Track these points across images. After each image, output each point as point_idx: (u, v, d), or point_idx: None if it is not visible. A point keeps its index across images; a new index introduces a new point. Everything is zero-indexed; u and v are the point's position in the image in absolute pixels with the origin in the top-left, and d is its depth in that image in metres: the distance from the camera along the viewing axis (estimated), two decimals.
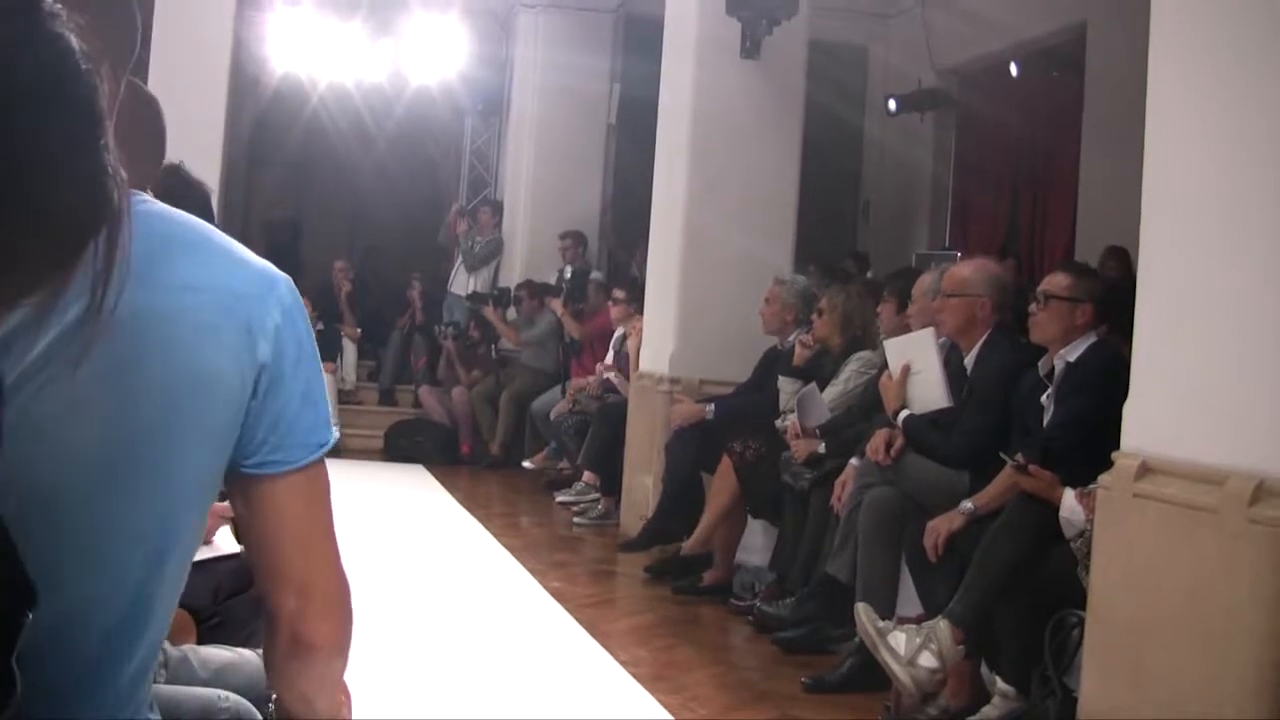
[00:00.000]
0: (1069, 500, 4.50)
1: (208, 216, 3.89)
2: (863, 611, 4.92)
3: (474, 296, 12.97)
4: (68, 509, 1.49)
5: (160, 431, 1.54)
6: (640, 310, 9.52)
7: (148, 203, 1.60)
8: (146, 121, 2.03)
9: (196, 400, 1.56)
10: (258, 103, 13.67)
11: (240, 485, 1.66)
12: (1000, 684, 4.69)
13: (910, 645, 4.70)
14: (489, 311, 12.50)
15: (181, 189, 3.65)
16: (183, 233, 1.60)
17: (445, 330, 12.69)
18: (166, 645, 2.21)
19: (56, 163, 1.09)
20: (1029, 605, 4.60)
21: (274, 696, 1.83)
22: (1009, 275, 5.92)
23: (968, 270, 5.62)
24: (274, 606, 1.70)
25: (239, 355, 1.58)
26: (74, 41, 1.10)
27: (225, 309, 1.57)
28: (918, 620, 5.01)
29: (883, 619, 5.41)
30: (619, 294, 10.44)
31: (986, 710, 4.68)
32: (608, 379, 10.30)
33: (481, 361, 12.68)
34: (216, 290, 1.58)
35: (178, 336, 1.53)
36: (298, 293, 1.68)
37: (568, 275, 12.47)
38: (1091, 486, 4.34)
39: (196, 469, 1.58)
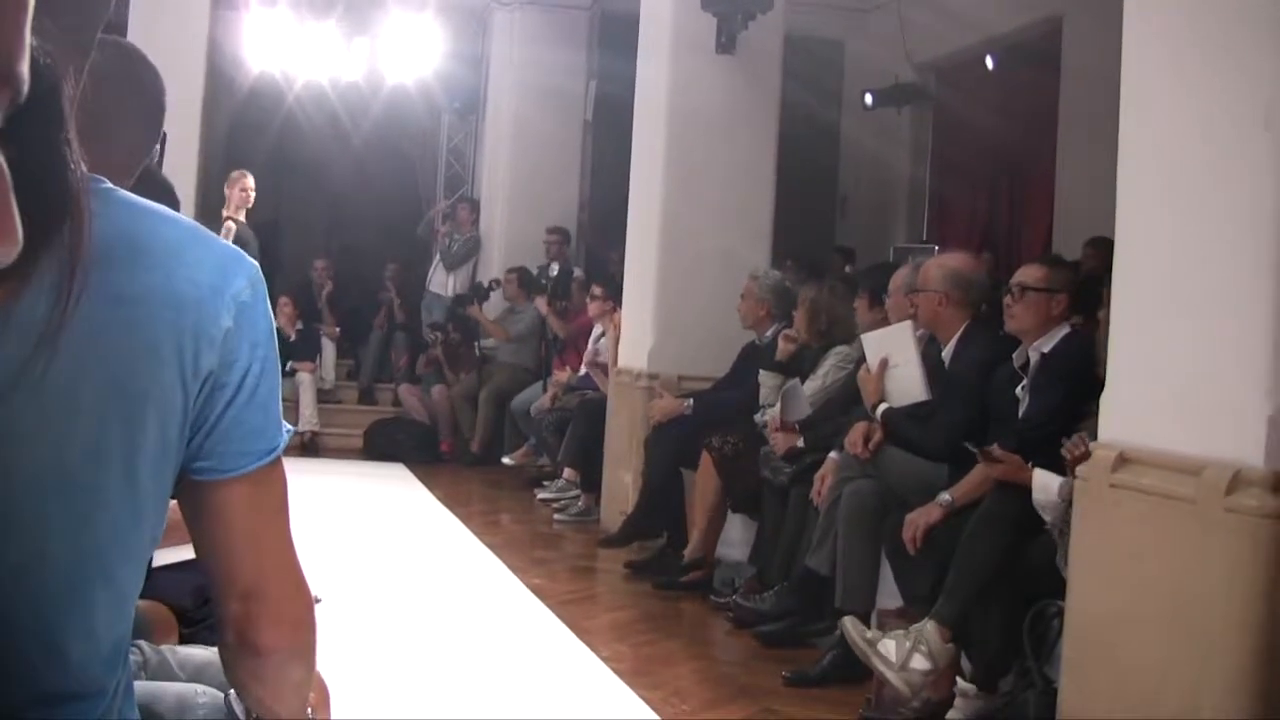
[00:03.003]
0: (1039, 479, 4.52)
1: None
2: (850, 625, 4.97)
3: (458, 299, 12.98)
4: (3, 529, 1.43)
5: (99, 451, 1.47)
6: (619, 306, 9.53)
7: (107, 191, 1.51)
8: (147, 87, 2.00)
9: (137, 419, 1.48)
10: (233, 103, 13.64)
11: (184, 490, 1.60)
12: (960, 683, 4.72)
13: (901, 650, 4.73)
14: (475, 311, 12.49)
15: (155, 193, 3.64)
16: (128, 232, 1.49)
17: (436, 337, 12.69)
18: (145, 646, 2.20)
19: (15, 158, 1.09)
20: (1008, 596, 4.62)
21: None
22: (981, 269, 5.93)
23: (930, 266, 5.67)
24: (222, 610, 1.65)
25: (181, 368, 1.49)
26: (31, 40, 1.09)
27: (166, 321, 1.48)
28: (898, 613, 5.03)
29: (863, 611, 5.45)
30: (597, 291, 10.45)
31: (961, 703, 4.70)
32: (585, 374, 10.33)
33: (464, 360, 12.67)
34: (156, 301, 1.48)
35: (113, 354, 1.45)
36: (261, 283, 1.58)
37: (553, 273, 12.47)
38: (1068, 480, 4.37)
39: (142, 486, 1.51)
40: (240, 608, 1.63)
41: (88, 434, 1.46)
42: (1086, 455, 4.22)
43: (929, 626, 4.76)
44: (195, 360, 1.51)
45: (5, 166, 0.76)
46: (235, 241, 10.11)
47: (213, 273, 1.53)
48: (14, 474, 1.44)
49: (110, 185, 1.52)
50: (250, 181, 10.99)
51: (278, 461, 1.63)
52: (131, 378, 1.47)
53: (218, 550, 1.62)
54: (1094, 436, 4.26)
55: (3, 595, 1.43)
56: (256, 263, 1.59)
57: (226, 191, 10.90)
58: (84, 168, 1.19)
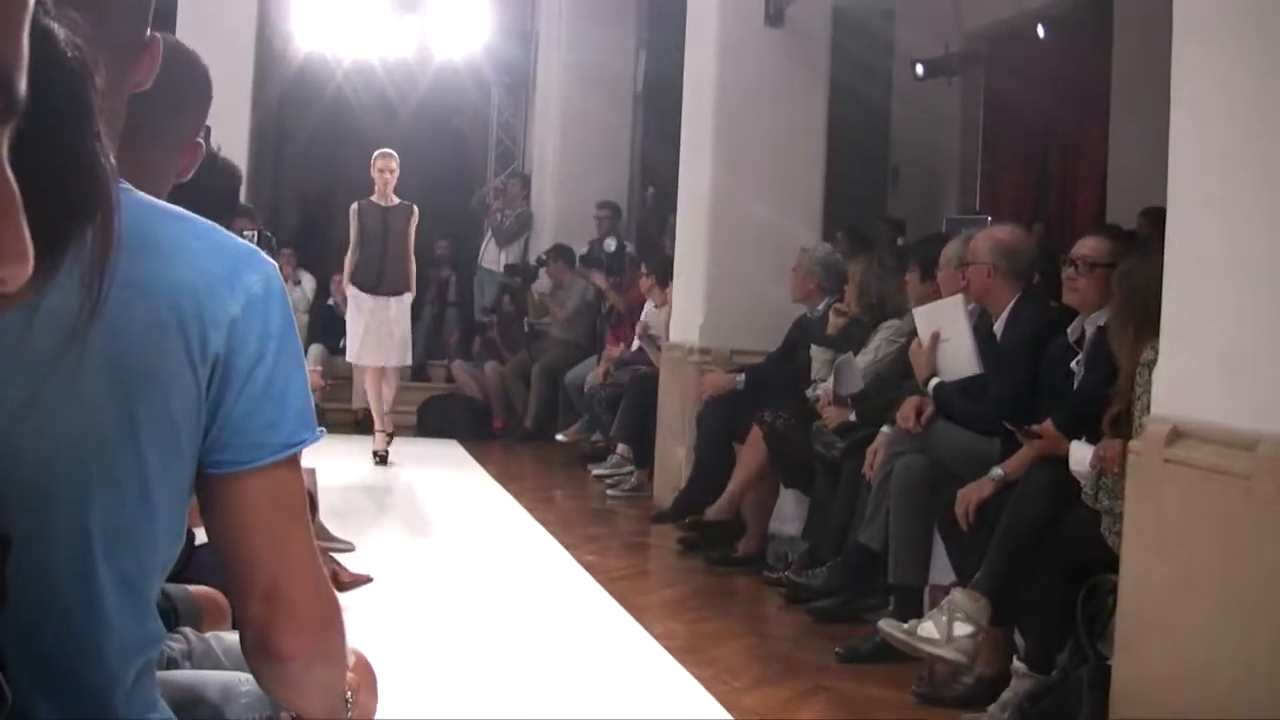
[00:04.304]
0: (1075, 451, 4.51)
1: (232, 198, 3.89)
2: (886, 626, 4.99)
3: (509, 269, 13.01)
4: (14, 515, 1.43)
5: (111, 436, 1.50)
6: (668, 282, 9.52)
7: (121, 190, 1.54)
8: (189, 84, 2.00)
9: (147, 401, 1.51)
10: (283, 81, 13.68)
11: (202, 487, 1.61)
12: (1015, 662, 4.70)
13: (940, 626, 4.72)
14: (529, 291, 12.54)
15: (218, 177, 3.65)
16: (137, 226, 1.48)
17: (492, 320, 12.71)
18: (189, 633, 2.20)
19: (46, 152, 1.08)
20: (1057, 571, 4.59)
21: None
22: (1031, 241, 5.88)
23: (979, 239, 5.63)
24: (241, 613, 1.65)
25: (189, 350, 1.52)
26: (56, 30, 1.08)
27: (171, 304, 1.51)
28: (949, 588, 5.01)
29: (916, 587, 5.43)
30: (644, 269, 10.46)
31: (1015, 682, 4.67)
32: (637, 349, 10.32)
33: (514, 337, 12.69)
34: (162, 286, 1.51)
35: (121, 336, 1.47)
36: (277, 281, 1.61)
37: (610, 248, 12.46)
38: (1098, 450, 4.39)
39: (150, 471, 1.53)
40: (259, 611, 1.62)
41: (91, 411, 1.48)
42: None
43: (957, 593, 4.78)
44: (202, 343, 1.53)
45: (15, 187, 0.75)
46: (355, 224, 9.50)
47: (219, 263, 1.56)
48: (22, 450, 1.47)
49: (125, 185, 1.53)
50: (384, 162, 10.33)
51: (295, 462, 1.63)
52: (135, 355, 1.50)
53: (234, 550, 1.62)
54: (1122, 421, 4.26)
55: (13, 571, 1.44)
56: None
57: None
58: (112, 161, 1.18)
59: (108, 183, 1.16)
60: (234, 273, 1.57)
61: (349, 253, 10.38)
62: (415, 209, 10.38)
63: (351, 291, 10.39)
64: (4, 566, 1.19)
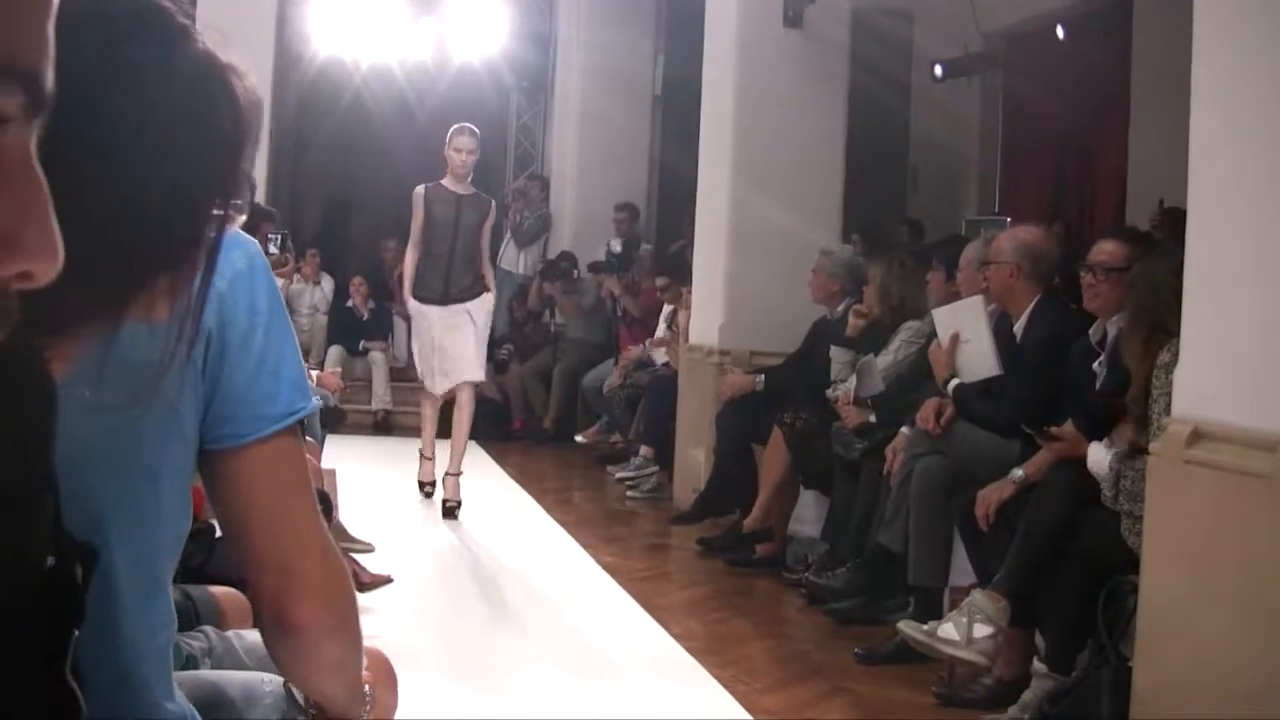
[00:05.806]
0: (1094, 452, 4.50)
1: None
2: (906, 627, 4.99)
3: (544, 271, 13.00)
4: None
5: (97, 404, 1.49)
6: (686, 285, 9.52)
7: None
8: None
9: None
10: (301, 84, 13.70)
11: (205, 467, 1.63)
12: (1035, 663, 4.69)
13: (960, 627, 4.72)
14: (551, 288, 12.51)
15: None
16: None
17: (509, 349, 12.72)
18: (210, 631, 2.21)
19: (175, 201, 1.11)
20: (1077, 572, 4.58)
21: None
22: (1053, 244, 5.86)
23: (1002, 239, 5.62)
24: (254, 588, 1.67)
25: None
26: (220, 62, 1.12)
27: None
28: (969, 589, 5.00)
29: (936, 588, 5.43)
30: (660, 281, 10.48)
31: (1035, 684, 4.67)
32: (648, 354, 10.33)
33: (538, 338, 12.70)
34: None
35: None
36: (260, 259, 1.65)
37: (616, 249, 12.44)
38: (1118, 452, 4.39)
39: (160, 452, 1.56)
40: (271, 584, 1.64)
41: (92, 396, 1.49)
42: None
43: (977, 594, 4.79)
44: None
45: (45, 183, 0.75)
46: (420, 214, 8.30)
47: None
48: None
49: None
50: (461, 140, 8.45)
51: (295, 433, 1.67)
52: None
53: (243, 525, 1.64)
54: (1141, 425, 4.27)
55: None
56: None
57: None
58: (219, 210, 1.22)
59: (211, 232, 1.19)
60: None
61: (409, 249, 8.52)
62: (494, 204, 8.71)
63: (414, 307, 8.47)
64: (88, 579, 1.19)
